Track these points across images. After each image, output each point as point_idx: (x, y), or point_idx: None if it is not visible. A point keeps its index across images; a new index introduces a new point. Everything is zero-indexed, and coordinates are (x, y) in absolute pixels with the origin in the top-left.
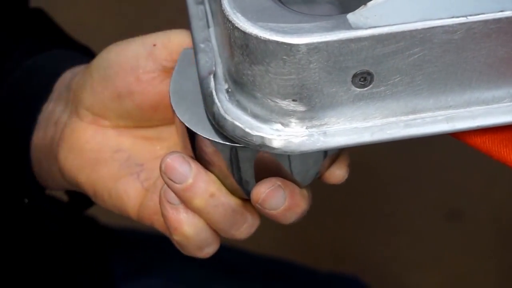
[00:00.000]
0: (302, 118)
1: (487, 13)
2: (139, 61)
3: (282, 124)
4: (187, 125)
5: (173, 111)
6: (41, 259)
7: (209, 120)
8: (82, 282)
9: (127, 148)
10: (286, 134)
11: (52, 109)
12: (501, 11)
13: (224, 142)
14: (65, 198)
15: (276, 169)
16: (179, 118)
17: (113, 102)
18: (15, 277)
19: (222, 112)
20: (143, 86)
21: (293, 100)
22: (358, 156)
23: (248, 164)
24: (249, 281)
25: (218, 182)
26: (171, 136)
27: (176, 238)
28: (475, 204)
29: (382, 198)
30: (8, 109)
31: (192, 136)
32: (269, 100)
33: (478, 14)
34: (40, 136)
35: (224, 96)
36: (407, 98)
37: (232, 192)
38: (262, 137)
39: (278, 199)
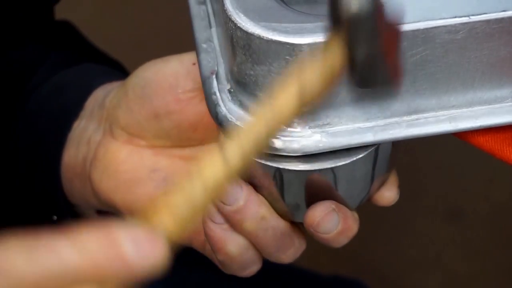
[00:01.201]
0: (305, 118)
1: (490, 13)
2: (178, 80)
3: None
4: None
5: (221, 132)
6: None
7: None
8: None
9: (164, 167)
10: (289, 135)
11: (84, 127)
12: (504, 10)
13: (276, 166)
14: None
15: (327, 192)
16: None
17: (151, 121)
18: None
19: (224, 112)
20: (182, 106)
21: None
22: None
23: (299, 187)
24: (251, 285)
25: (268, 205)
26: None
27: (220, 258)
28: (475, 204)
29: None
30: (36, 126)
31: None
32: None
33: (481, 14)
34: (71, 154)
35: (226, 96)
36: (410, 98)
37: (281, 215)
38: None
39: (332, 223)
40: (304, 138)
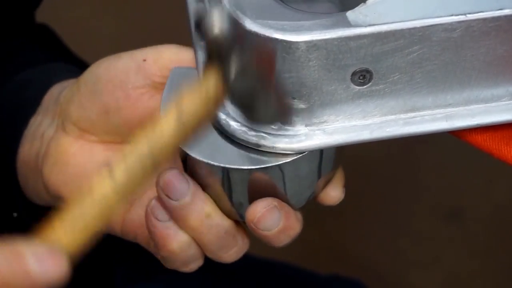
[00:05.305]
0: (302, 116)
1: (486, 11)
2: (128, 76)
3: (282, 122)
4: (181, 146)
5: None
6: None
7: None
8: (82, 286)
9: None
10: (286, 133)
11: (40, 122)
12: (500, 9)
13: (219, 164)
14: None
15: (271, 190)
16: None
17: (101, 117)
18: None
19: (221, 111)
20: (132, 102)
21: (293, 98)
22: (358, 156)
23: (242, 185)
24: (250, 285)
25: (213, 203)
26: None
27: (163, 254)
28: (475, 204)
29: (382, 198)
30: None
31: (185, 157)
32: None
33: (477, 12)
34: (26, 150)
35: None
36: (406, 96)
37: (226, 214)
38: (261, 136)
39: (274, 219)
40: (301, 136)
